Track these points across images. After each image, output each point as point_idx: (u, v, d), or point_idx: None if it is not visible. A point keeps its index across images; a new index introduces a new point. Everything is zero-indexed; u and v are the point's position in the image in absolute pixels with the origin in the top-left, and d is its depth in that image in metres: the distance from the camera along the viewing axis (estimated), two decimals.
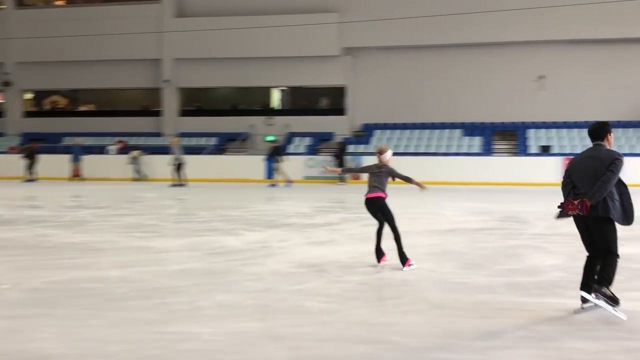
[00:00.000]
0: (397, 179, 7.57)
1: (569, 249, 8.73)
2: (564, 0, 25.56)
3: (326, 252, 8.55)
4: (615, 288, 6.11)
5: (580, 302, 5.43)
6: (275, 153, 24.14)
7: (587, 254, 5.53)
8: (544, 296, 6.02)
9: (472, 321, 5.20)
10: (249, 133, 30.17)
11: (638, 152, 24.52)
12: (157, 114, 31.52)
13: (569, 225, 11.18)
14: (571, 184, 5.44)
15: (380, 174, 7.50)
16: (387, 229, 7.36)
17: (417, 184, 7.64)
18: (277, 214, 13.60)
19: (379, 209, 7.43)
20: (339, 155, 24.81)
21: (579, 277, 6.55)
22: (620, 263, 7.43)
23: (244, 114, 31.29)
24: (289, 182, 23.50)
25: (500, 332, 4.91)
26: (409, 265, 7.17)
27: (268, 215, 13.34)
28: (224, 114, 31.36)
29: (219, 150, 29.23)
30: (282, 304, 5.81)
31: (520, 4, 26.03)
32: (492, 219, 12.63)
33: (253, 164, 26.19)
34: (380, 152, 7.61)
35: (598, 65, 27.29)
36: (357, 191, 21.25)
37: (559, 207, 5.46)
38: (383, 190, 7.44)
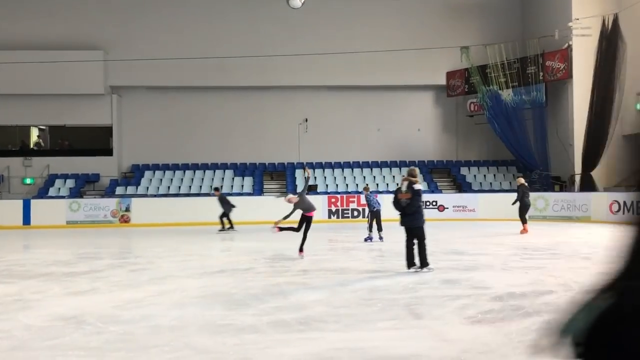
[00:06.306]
0: None
1: (331, 282, 9.22)
2: (322, 50, 27.60)
3: (87, 302, 8.01)
4: (368, 319, 6.58)
5: None
6: None
7: None
8: (305, 332, 6.24)
9: None
10: (3, 175, 27.61)
11: (392, 190, 26.88)
12: None
13: (331, 261, 11.84)
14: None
15: None
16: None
17: None
18: (33, 263, 12.48)
19: None
20: None
21: (340, 311, 6.95)
22: (373, 294, 8.03)
23: None
24: None
25: None
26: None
27: (23, 265, 12.19)
28: None
29: None
30: None
31: (283, 51, 27.47)
32: (261, 258, 12.90)
33: (7, 209, 23.91)
34: None
35: (354, 110, 29.71)
36: (126, 236, 20.37)
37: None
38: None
